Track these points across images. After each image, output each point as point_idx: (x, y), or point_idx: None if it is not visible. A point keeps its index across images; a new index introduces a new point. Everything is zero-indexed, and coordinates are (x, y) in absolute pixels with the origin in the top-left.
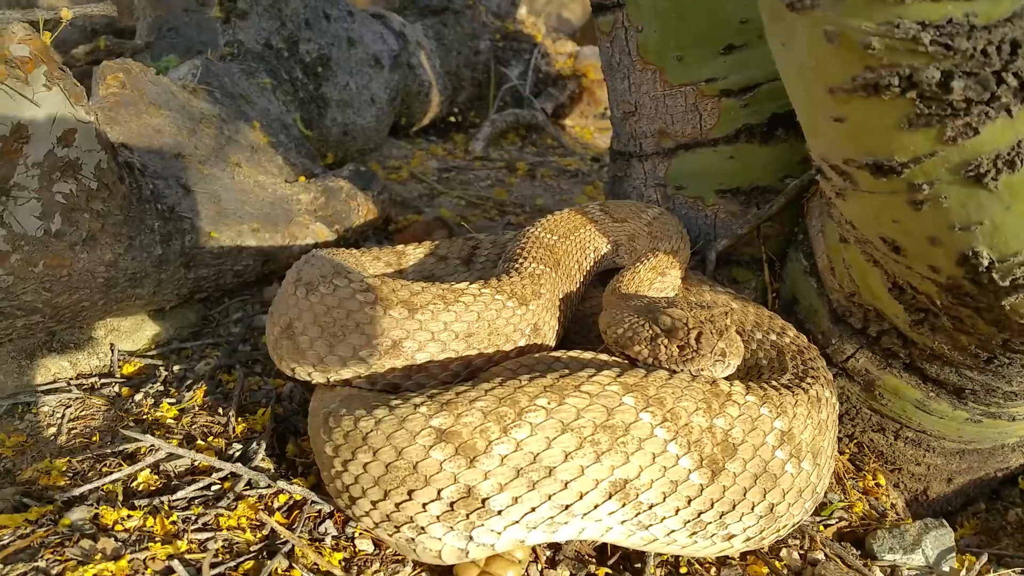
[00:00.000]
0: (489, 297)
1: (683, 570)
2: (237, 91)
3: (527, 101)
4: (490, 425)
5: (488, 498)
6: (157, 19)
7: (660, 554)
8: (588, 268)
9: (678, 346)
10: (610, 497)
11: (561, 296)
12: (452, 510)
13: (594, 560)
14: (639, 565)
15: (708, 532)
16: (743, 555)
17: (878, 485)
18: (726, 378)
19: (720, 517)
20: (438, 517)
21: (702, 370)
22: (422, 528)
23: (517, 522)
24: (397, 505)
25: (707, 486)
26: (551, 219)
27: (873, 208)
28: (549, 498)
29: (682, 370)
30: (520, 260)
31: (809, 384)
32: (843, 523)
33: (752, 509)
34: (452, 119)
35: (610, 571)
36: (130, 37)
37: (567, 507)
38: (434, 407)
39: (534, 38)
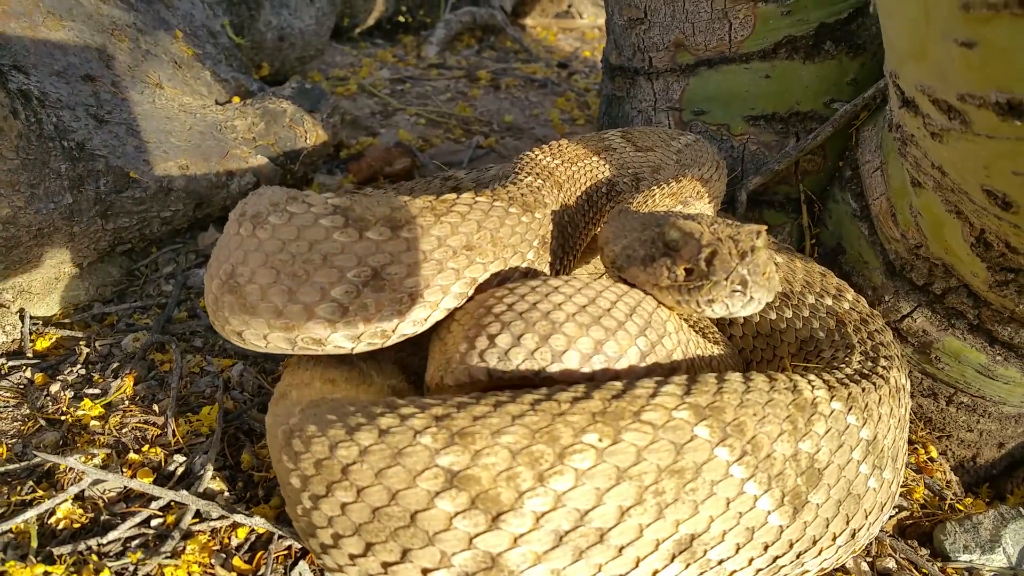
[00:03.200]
0: (487, 204)
1: None
2: None
3: None
4: (520, 470)
5: (519, 572)
6: None
7: None
8: (600, 205)
9: (685, 269)
10: (672, 560)
11: (567, 220)
12: None
13: None
14: None
15: (781, 575)
16: None
17: (931, 460)
18: (807, 380)
19: (797, 557)
20: None
21: (713, 302)
22: None
23: None
24: (385, 566)
25: (788, 527)
26: (555, 143)
27: (984, 155)
28: (599, 569)
29: (688, 302)
30: (515, 175)
31: (885, 369)
32: (904, 513)
33: (833, 541)
34: (400, 19)
35: None
36: None
37: None
38: (442, 437)
39: None
